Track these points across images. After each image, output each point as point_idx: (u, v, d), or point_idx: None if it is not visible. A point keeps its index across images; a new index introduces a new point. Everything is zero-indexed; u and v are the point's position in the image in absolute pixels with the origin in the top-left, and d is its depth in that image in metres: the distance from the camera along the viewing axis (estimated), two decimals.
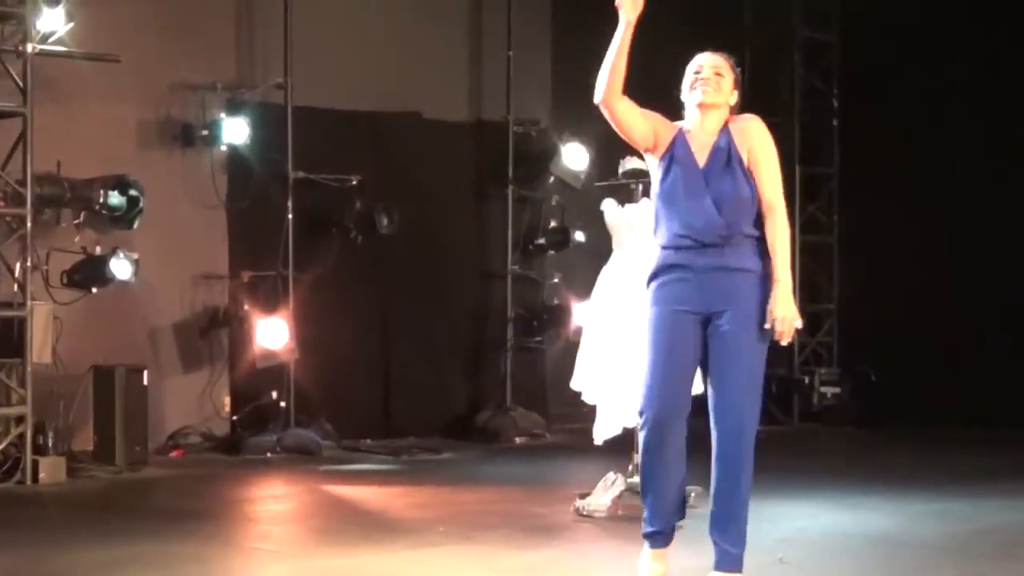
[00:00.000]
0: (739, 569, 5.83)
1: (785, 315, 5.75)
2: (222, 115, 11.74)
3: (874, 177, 13.73)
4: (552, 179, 13.14)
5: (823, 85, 14.79)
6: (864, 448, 12.53)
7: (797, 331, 5.88)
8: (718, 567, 5.84)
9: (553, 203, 13.38)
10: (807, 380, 14.39)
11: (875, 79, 14.00)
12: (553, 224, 13.34)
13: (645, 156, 6.14)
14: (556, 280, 13.40)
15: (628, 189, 8.57)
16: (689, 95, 6.04)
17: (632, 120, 5.99)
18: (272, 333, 11.59)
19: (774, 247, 5.86)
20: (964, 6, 13.24)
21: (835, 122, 14.80)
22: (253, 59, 12.17)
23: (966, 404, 13.03)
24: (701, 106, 5.99)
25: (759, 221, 5.89)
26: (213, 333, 11.94)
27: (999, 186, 13.25)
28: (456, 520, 8.06)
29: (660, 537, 5.98)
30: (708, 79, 5.98)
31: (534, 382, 13.31)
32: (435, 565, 6.85)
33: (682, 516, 6.05)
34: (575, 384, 8.42)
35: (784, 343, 5.86)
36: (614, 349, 8.19)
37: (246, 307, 11.72)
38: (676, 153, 5.98)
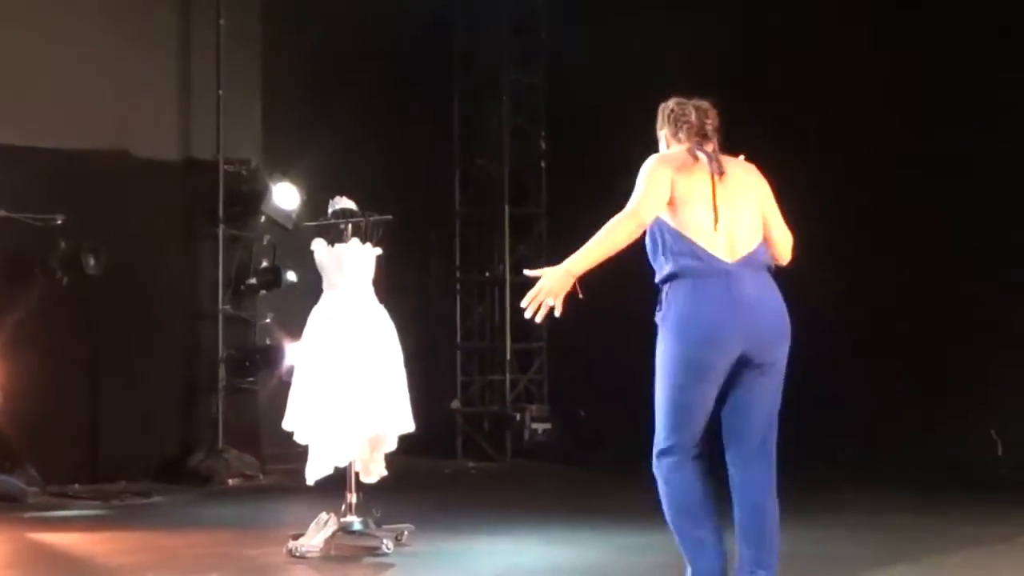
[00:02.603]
0: None
1: (544, 285, 5.59)
2: None
3: (582, 216, 14.00)
4: (263, 219, 13.08)
5: (530, 127, 15.07)
6: (573, 484, 12.77)
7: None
8: None
9: (264, 243, 13.31)
10: (519, 417, 14.61)
11: (581, 120, 14.32)
12: (264, 264, 13.26)
13: None
14: (268, 320, 13.33)
15: (338, 229, 8.61)
16: None
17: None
18: None
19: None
20: (666, 54, 13.67)
21: (543, 163, 15.11)
22: None
23: None
24: None
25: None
26: None
27: None
28: (167, 565, 7.95)
29: None
30: None
31: (247, 423, 13.19)
32: None
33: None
34: (287, 424, 8.40)
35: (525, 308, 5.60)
36: (325, 388, 8.22)
37: None
38: None
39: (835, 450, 12.27)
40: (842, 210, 12.17)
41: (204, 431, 12.97)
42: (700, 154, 5.80)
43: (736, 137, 6.07)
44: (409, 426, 8.45)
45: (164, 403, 12.94)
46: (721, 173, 5.76)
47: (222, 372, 13.03)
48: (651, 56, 13.57)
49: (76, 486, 11.88)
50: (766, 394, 5.73)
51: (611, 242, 5.67)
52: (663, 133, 6.01)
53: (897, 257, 12.43)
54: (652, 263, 5.84)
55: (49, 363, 11.87)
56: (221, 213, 13.05)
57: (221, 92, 13.00)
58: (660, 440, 5.81)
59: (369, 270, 8.53)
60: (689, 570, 5.79)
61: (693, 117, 5.90)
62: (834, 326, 12.37)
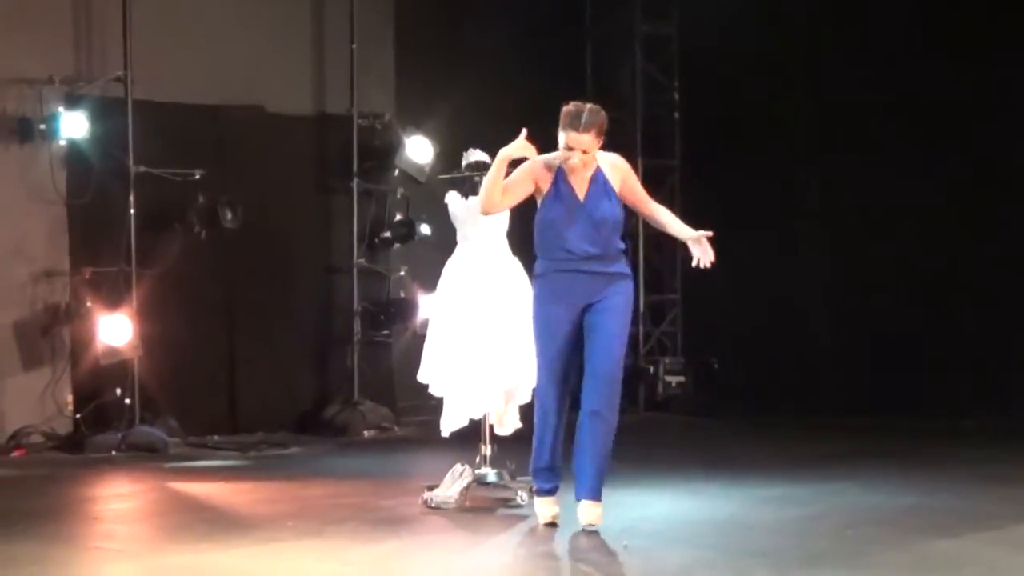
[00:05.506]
0: None
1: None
2: (60, 109, 11.58)
3: (714, 169, 13.92)
4: (397, 172, 13.14)
5: (664, 78, 14.96)
6: (707, 436, 12.71)
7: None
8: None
9: (398, 196, 13.37)
10: (652, 370, 14.56)
11: (714, 71, 14.18)
12: (398, 217, 13.33)
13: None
14: (402, 273, 13.41)
15: (472, 181, 8.59)
16: (564, 159, 7.28)
17: (515, 199, 7.41)
18: (115, 329, 11.46)
19: (672, 218, 7.55)
20: (798, 5, 13.48)
21: (676, 115, 14.99)
22: (91, 52, 11.99)
23: (801, 393, 13.37)
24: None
25: (623, 237, 7.38)
26: (55, 330, 11.76)
27: (839, 181, 13.50)
28: (305, 514, 8.04)
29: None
30: (579, 163, 7.27)
31: (381, 375, 13.30)
32: (284, 560, 6.83)
33: None
34: (422, 377, 8.43)
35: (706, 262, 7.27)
36: (460, 341, 8.23)
37: (88, 304, 11.57)
38: (559, 190, 7.31)
39: (973, 407, 12.11)
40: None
41: (339, 383, 13.09)
42: None
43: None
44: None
45: (300, 356, 13.08)
46: None
47: (357, 325, 13.13)
48: (784, 6, 13.41)
49: (215, 437, 12.08)
50: None
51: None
52: (591, 135, 7.29)
53: None
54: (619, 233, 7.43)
55: (188, 316, 12.05)
56: (355, 167, 13.13)
57: (354, 46, 13.05)
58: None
59: (503, 222, 8.52)
60: None
61: None
62: (968, 289, 12.23)
